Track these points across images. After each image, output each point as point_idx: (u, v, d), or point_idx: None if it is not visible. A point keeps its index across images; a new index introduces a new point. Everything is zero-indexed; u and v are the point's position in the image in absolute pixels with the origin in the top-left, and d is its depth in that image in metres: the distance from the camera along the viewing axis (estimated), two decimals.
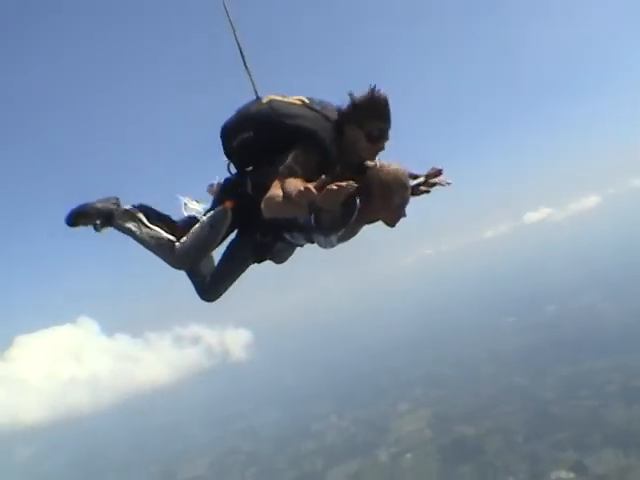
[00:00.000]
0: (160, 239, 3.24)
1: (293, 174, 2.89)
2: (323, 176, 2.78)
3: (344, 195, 2.59)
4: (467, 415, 48.59)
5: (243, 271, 3.43)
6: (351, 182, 2.56)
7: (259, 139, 3.14)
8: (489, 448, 41.56)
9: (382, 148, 3.13)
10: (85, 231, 3.30)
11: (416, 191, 3.45)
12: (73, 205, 3.25)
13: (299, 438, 56.24)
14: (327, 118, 3.12)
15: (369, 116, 3.03)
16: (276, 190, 2.83)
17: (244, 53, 3.44)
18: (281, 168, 2.93)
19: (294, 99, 3.22)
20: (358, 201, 3.08)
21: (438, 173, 3.46)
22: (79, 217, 3.23)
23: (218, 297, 3.47)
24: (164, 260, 3.25)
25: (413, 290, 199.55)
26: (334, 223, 3.04)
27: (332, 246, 3.30)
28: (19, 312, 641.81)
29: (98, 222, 3.22)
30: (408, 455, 45.24)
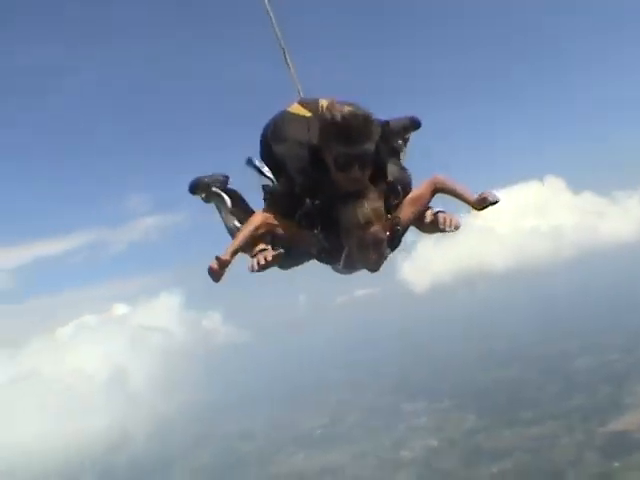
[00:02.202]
0: (232, 229, 3.27)
1: (272, 206, 2.89)
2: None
3: (262, 268, 2.68)
4: None
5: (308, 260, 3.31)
6: (272, 254, 2.68)
7: (263, 159, 3.11)
8: None
9: (357, 179, 2.64)
10: None
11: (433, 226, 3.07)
12: (199, 174, 3.42)
13: None
14: (304, 142, 2.84)
15: (329, 138, 2.61)
16: None
17: (284, 46, 3.38)
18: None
19: (311, 107, 3.01)
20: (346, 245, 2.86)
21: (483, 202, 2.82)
22: (195, 188, 3.38)
23: (291, 268, 3.38)
24: None
25: None
26: (323, 257, 3.04)
27: (343, 273, 3.23)
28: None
29: (203, 195, 3.37)
30: None
